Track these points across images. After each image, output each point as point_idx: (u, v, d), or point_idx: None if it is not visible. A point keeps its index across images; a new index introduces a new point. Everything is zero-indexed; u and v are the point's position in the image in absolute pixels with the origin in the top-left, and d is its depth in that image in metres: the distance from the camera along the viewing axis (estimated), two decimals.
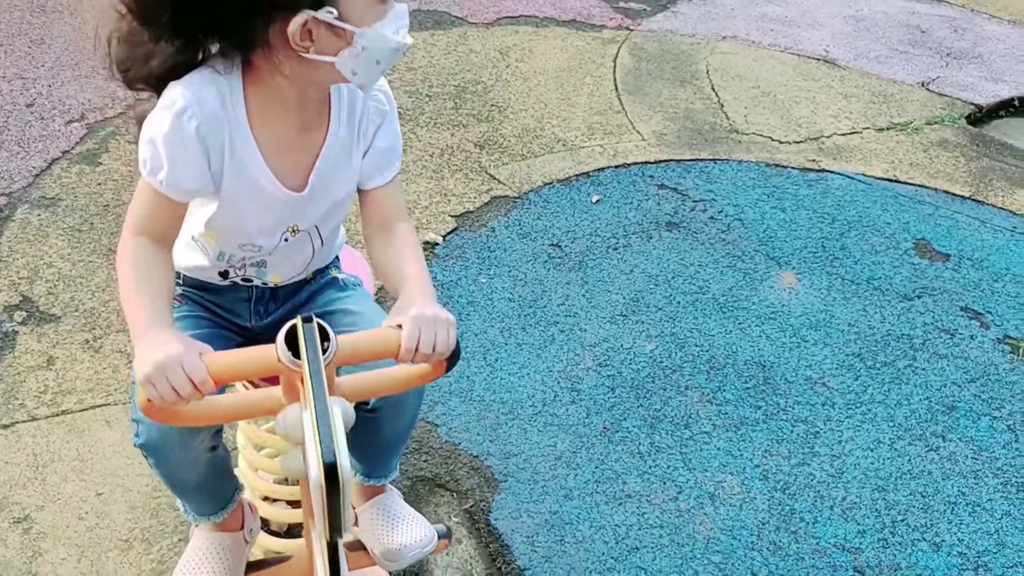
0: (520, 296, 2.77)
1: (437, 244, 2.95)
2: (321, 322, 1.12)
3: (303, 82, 1.28)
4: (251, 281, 1.51)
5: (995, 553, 2.16)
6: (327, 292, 1.58)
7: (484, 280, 2.82)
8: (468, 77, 4.00)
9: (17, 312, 2.48)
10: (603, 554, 2.05)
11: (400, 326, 1.21)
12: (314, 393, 1.05)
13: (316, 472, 1.01)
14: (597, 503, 2.17)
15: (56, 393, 2.25)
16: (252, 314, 1.55)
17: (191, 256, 1.47)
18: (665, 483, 2.24)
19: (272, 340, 1.50)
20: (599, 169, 3.47)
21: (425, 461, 2.22)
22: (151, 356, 1.12)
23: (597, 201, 3.29)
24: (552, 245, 3.03)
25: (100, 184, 3.02)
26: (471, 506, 2.13)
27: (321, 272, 1.60)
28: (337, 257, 1.64)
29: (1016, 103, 4.38)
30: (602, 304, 2.79)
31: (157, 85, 1.29)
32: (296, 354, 1.11)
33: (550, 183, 3.36)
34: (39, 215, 2.84)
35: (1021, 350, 2.80)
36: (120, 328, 2.47)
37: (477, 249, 2.96)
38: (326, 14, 1.18)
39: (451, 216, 3.10)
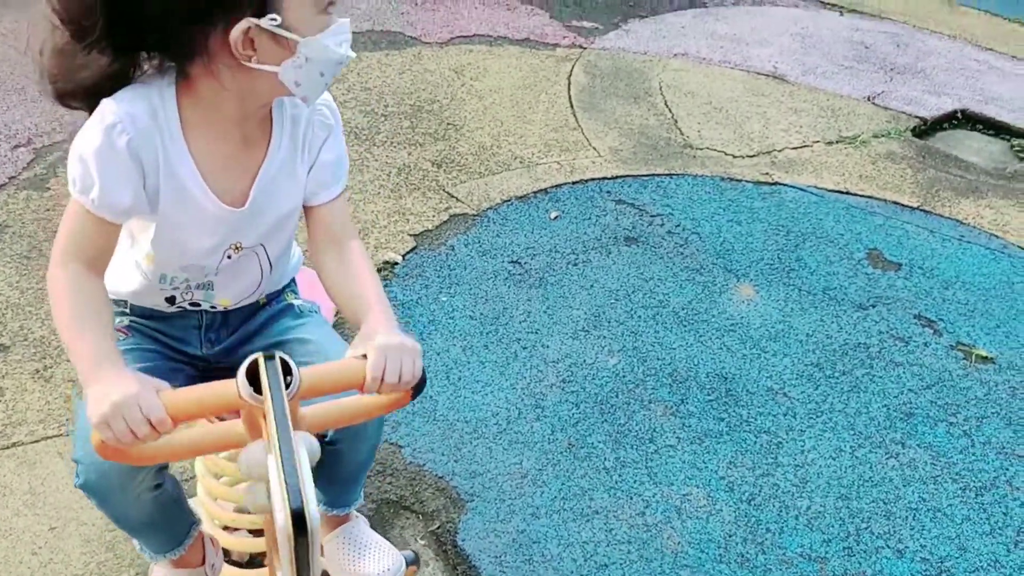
0: (481, 314, 2.75)
1: (397, 264, 2.93)
2: (284, 356, 1.08)
3: (244, 94, 1.25)
4: (199, 305, 1.46)
5: (957, 558, 2.19)
6: (282, 319, 1.54)
7: (445, 299, 2.80)
8: (424, 96, 3.99)
9: None
10: (572, 572, 2.03)
11: (364, 356, 1.18)
12: (279, 436, 1.01)
13: (283, 520, 0.97)
14: (564, 520, 2.15)
15: (6, 425, 2.18)
16: (203, 342, 1.50)
17: (135, 281, 1.41)
18: (632, 498, 2.24)
19: (225, 368, 1.46)
20: (556, 185, 3.49)
21: (390, 483, 2.19)
22: (106, 396, 1.08)
23: (555, 217, 3.29)
24: (512, 262, 3.03)
25: (48, 210, 2.95)
26: (437, 528, 2.10)
27: (276, 297, 1.56)
28: (294, 280, 1.60)
29: (959, 116, 4.49)
30: (564, 320, 2.79)
31: (88, 100, 1.24)
32: (257, 389, 1.07)
33: (508, 200, 3.36)
34: None
35: (973, 356, 2.85)
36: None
37: (437, 268, 2.95)
38: (269, 22, 1.15)
39: (410, 235, 3.08)
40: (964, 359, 2.84)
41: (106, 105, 1.22)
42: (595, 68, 4.50)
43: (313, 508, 0.98)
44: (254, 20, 1.14)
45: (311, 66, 1.21)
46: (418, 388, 1.23)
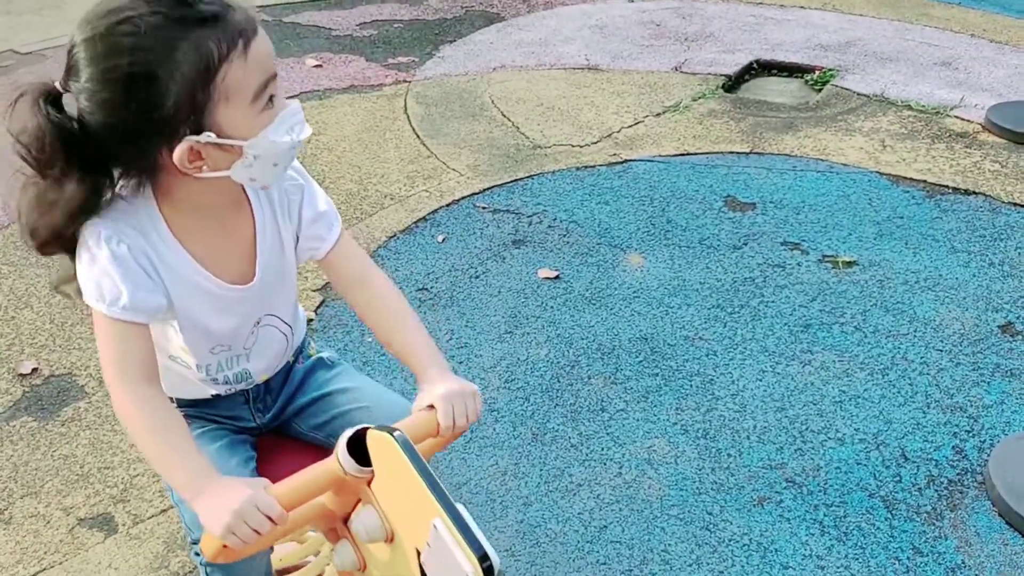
0: None
1: (311, 320, 2.99)
2: (398, 432, 1.15)
3: (211, 192, 1.31)
4: (242, 384, 1.53)
5: (887, 431, 2.50)
6: (317, 373, 1.62)
7: (370, 339, 2.89)
8: None
9: None
10: (578, 541, 2.18)
11: (431, 406, 1.29)
12: (440, 501, 1.09)
13: (472, 568, 1.05)
14: (554, 500, 2.30)
15: None
16: (254, 413, 1.58)
17: (178, 377, 1.48)
18: (605, 463, 2.41)
19: (278, 431, 1.59)
20: (432, 212, 3.63)
21: None
22: (224, 506, 1.14)
23: (443, 240, 3.43)
24: (419, 290, 3.14)
25: None
26: None
27: (300, 353, 1.63)
28: (306, 338, 1.67)
29: (755, 66, 4.98)
30: (485, 328, 2.94)
31: (65, 241, 1.28)
32: (359, 461, 1.17)
33: (393, 236, 3.47)
34: None
35: (840, 263, 3.22)
36: (25, 493, 2.33)
37: (351, 314, 3.02)
38: (207, 137, 1.20)
39: (313, 291, 3.14)
40: (833, 268, 3.20)
41: (91, 226, 1.26)
42: (426, 98, 4.68)
43: (493, 551, 1.07)
44: (194, 139, 1.19)
45: (261, 162, 1.26)
46: None
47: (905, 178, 3.77)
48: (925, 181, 3.74)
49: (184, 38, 1.15)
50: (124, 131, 1.18)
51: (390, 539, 1.21)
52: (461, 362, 2.78)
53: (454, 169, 3.94)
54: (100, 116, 1.17)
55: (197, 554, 1.41)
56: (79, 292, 1.30)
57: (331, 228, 1.49)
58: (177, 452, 1.24)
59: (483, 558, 1.06)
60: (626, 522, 2.23)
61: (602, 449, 2.46)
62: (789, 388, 2.66)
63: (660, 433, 2.51)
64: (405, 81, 4.90)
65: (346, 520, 1.30)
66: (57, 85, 1.20)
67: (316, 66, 5.13)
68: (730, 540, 2.18)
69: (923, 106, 4.39)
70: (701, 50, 5.20)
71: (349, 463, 1.17)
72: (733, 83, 4.81)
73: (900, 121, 4.26)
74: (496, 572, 1.06)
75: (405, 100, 4.65)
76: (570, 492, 2.32)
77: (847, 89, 4.60)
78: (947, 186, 3.69)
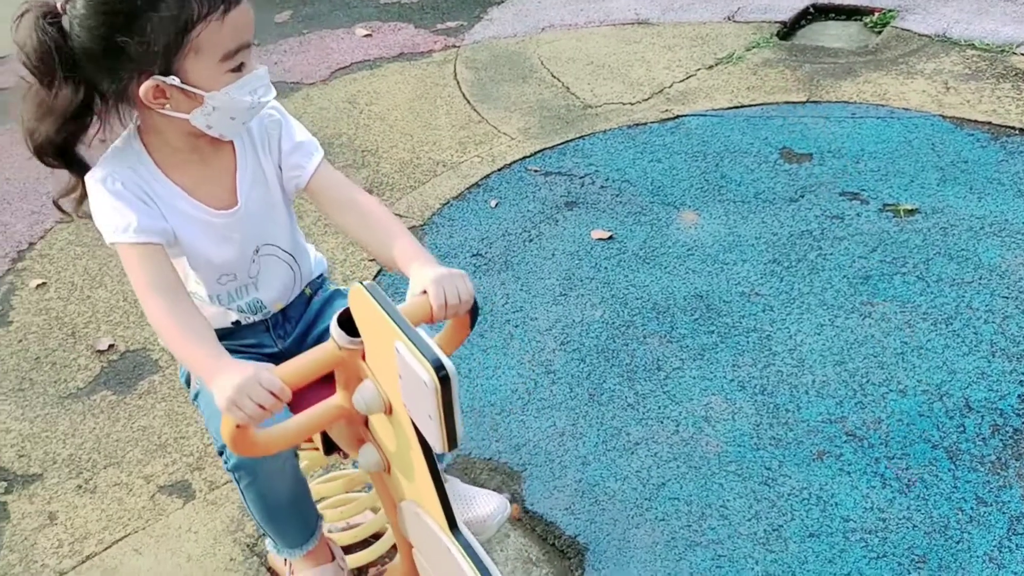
0: None
1: None
2: (371, 284, 1.24)
3: (179, 127, 1.44)
4: (258, 314, 1.65)
5: (950, 381, 2.46)
6: (335, 302, 1.74)
7: None
8: (329, 132, 4.10)
9: None
10: (637, 498, 2.21)
11: (424, 292, 1.35)
12: (396, 321, 1.16)
13: (429, 378, 1.11)
14: (613, 459, 2.33)
15: (72, 543, 2.22)
16: (275, 339, 1.70)
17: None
18: (662, 422, 2.43)
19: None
20: (485, 177, 3.65)
21: (444, 472, 2.32)
22: (228, 383, 1.24)
23: (496, 205, 3.46)
24: (473, 255, 3.18)
25: (21, 341, 2.96)
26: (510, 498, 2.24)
27: (319, 287, 1.76)
28: (326, 277, 1.80)
29: (811, 10, 4.85)
30: (541, 291, 2.96)
31: (60, 151, 1.44)
32: (349, 333, 1.25)
33: (447, 203, 3.51)
34: None
35: (901, 211, 3.15)
36: (108, 463, 2.45)
37: (407, 281, 3.07)
38: (172, 80, 1.34)
39: (370, 260, 3.20)
40: (894, 216, 3.13)
41: (89, 176, 1.45)
42: (475, 62, 4.68)
43: (448, 361, 1.12)
44: (160, 78, 1.34)
45: (220, 113, 1.40)
46: (474, 315, 1.41)
47: (969, 120, 3.65)
48: (990, 123, 3.62)
49: None
50: (103, 57, 1.33)
51: (389, 410, 1.29)
52: (517, 325, 2.82)
53: (505, 133, 3.95)
54: (86, 39, 1.33)
55: (225, 462, 1.52)
56: (77, 204, 1.49)
57: (310, 156, 1.58)
58: (199, 343, 1.37)
59: (439, 367, 1.12)
60: (684, 479, 2.26)
61: (659, 407, 2.47)
62: (848, 341, 2.63)
63: (717, 390, 2.51)
64: (454, 46, 4.90)
65: (367, 424, 1.38)
66: (57, 6, 1.34)
67: (366, 35, 5.16)
68: (789, 495, 2.19)
69: (987, 44, 4.22)
70: None
71: (340, 335, 1.25)
72: (788, 30, 4.69)
73: (963, 61, 4.11)
74: (452, 379, 1.12)
75: (455, 66, 4.66)
76: (628, 451, 2.35)
77: (907, 30, 4.45)
78: (1013, 127, 3.56)
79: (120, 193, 1.42)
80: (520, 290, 2.98)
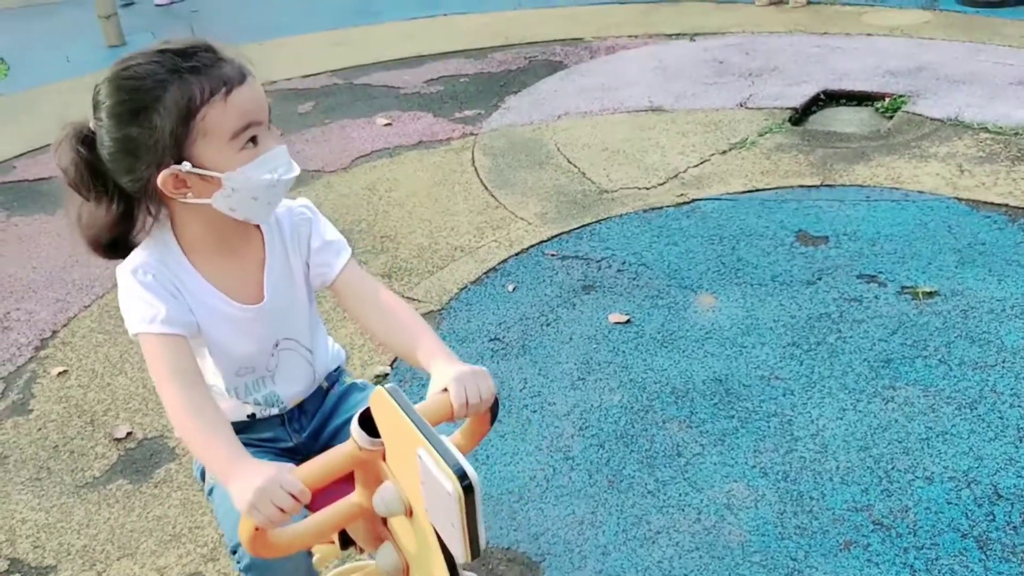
0: None
1: (388, 374, 3.05)
2: (392, 384, 1.24)
3: (208, 218, 1.47)
4: (274, 408, 1.66)
5: (977, 468, 2.41)
6: (350, 396, 1.74)
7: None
8: (349, 219, 4.16)
9: None
10: None
11: (444, 390, 1.35)
12: (419, 427, 1.15)
13: (452, 487, 1.09)
14: (633, 548, 2.28)
15: None
16: (290, 433, 1.70)
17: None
18: (683, 510, 2.38)
19: (317, 451, 1.67)
20: (502, 261, 3.68)
21: (463, 568, 2.27)
22: (249, 484, 1.23)
23: (513, 289, 3.48)
24: (491, 340, 3.18)
25: (40, 429, 2.97)
26: None
27: (336, 380, 1.76)
28: (341, 369, 1.79)
29: (822, 96, 4.93)
30: (558, 376, 2.95)
31: (110, 246, 1.53)
32: (370, 433, 1.24)
33: (464, 287, 3.53)
34: None
35: (920, 294, 3.14)
36: (121, 554, 2.42)
37: (425, 374, 3.07)
38: (185, 166, 1.39)
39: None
40: (913, 299, 3.12)
41: (120, 267, 1.50)
42: (493, 149, 4.77)
43: (471, 469, 1.10)
44: (175, 167, 1.39)
45: (240, 194, 1.42)
46: (494, 412, 1.40)
47: (985, 203, 3.66)
48: (1007, 205, 3.63)
49: (173, 83, 1.37)
50: (122, 157, 1.40)
51: (409, 513, 1.27)
52: (535, 411, 2.80)
53: (522, 218, 3.99)
54: (108, 144, 1.41)
55: (238, 562, 1.50)
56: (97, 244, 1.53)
57: (339, 255, 1.61)
58: (217, 439, 1.36)
59: (462, 476, 1.09)
60: (707, 570, 2.20)
61: (679, 495, 2.43)
62: (872, 426, 2.59)
63: (739, 476, 2.47)
64: (472, 134, 5.01)
65: (385, 523, 1.36)
66: (89, 125, 1.43)
67: (386, 124, 5.28)
68: None
69: (1000, 128, 4.27)
70: (766, 84, 5.17)
71: (361, 436, 1.24)
72: (800, 115, 4.77)
73: (977, 144, 4.15)
74: (476, 488, 1.10)
75: (472, 152, 4.75)
76: (648, 540, 2.30)
77: (919, 115, 4.51)
78: None
79: (150, 285, 1.46)
80: (538, 375, 2.97)
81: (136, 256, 1.49)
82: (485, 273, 3.61)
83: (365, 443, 1.25)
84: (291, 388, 1.66)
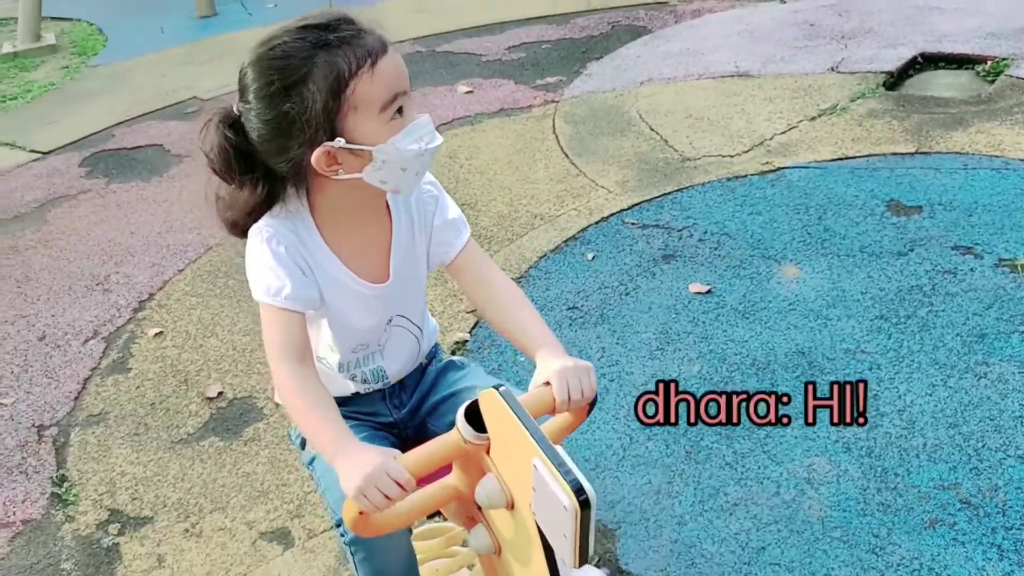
0: None
1: (466, 341, 3.09)
2: (504, 386, 1.25)
3: (352, 194, 1.48)
4: (379, 383, 1.69)
5: None
6: (448, 374, 1.75)
7: (522, 358, 2.95)
8: None
9: (111, 525, 2.53)
10: (735, 562, 2.15)
11: (547, 383, 1.37)
12: (535, 438, 1.17)
13: (568, 502, 1.11)
14: (710, 520, 2.27)
15: None
16: (391, 408, 1.73)
17: (323, 377, 1.61)
18: (762, 482, 2.36)
19: (414, 427, 1.71)
20: (582, 230, 3.66)
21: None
22: (357, 470, 1.26)
23: (593, 258, 3.47)
24: (569, 308, 3.19)
25: (139, 387, 3.11)
26: (597, 561, 2.21)
27: (434, 356, 1.78)
28: (437, 344, 1.81)
29: (920, 60, 4.73)
30: (637, 345, 2.94)
31: (243, 229, 1.53)
32: (477, 428, 1.26)
33: (543, 256, 3.53)
34: (94, 432, 2.92)
35: (1019, 267, 3.00)
36: (214, 508, 2.54)
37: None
38: (338, 143, 1.38)
39: (467, 312, 3.24)
40: (1011, 272, 2.99)
41: (257, 225, 1.50)
42: (574, 116, 4.74)
43: (588, 485, 1.12)
44: (328, 143, 1.38)
45: (390, 166, 1.42)
46: (592, 403, 1.41)
47: None
48: None
49: (320, 58, 1.36)
50: (274, 138, 1.40)
51: (511, 505, 1.28)
52: (612, 379, 2.80)
53: (603, 186, 3.97)
54: (258, 126, 1.40)
55: (342, 535, 1.54)
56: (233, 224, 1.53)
57: (459, 234, 1.63)
58: (325, 419, 1.39)
59: (579, 491, 1.10)
60: (785, 544, 2.18)
61: (759, 467, 2.40)
62: (963, 403, 2.51)
63: (820, 451, 2.43)
64: (553, 101, 4.98)
65: (480, 506, 1.38)
66: (234, 108, 1.44)
67: (467, 92, 5.29)
68: (899, 565, 2.08)
69: None
70: (859, 47, 4.98)
71: (467, 430, 1.27)
72: (895, 80, 4.58)
73: None
74: (592, 504, 1.11)
75: (553, 120, 4.72)
76: (725, 511, 2.29)
77: (1023, 79, 4.29)
78: None
79: (281, 256, 1.46)
80: (616, 344, 2.96)
81: (270, 223, 1.49)
82: (564, 241, 3.60)
83: (471, 437, 1.27)
84: (397, 364, 1.69)
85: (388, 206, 1.58)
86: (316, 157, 1.39)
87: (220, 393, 3.02)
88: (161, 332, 3.41)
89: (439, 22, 6.70)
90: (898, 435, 2.44)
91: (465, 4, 7.11)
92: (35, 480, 2.74)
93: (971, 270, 3.04)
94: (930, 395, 2.55)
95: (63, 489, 2.69)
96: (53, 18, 8.31)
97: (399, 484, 1.25)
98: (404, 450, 1.69)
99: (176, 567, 2.37)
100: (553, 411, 1.36)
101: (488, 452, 1.29)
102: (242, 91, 1.42)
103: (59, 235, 4.28)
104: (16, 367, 3.31)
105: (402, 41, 6.41)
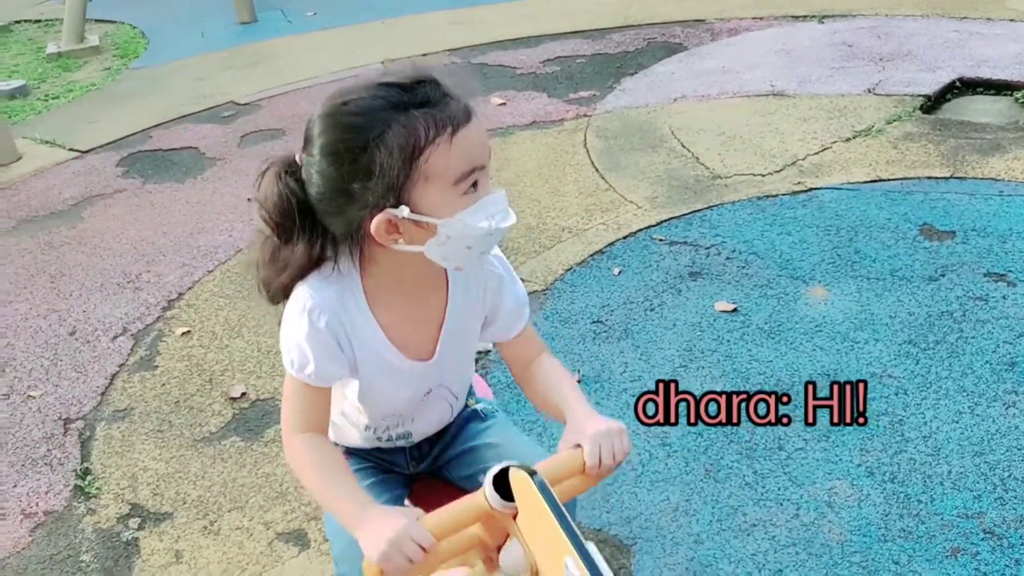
0: (583, 376, 2.89)
1: (489, 351, 3.09)
2: (530, 467, 1.19)
3: (409, 266, 1.37)
4: (402, 442, 1.64)
5: None
6: (470, 426, 1.68)
7: None
8: None
9: (131, 519, 2.56)
10: None
11: (578, 445, 1.33)
12: (574, 543, 1.12)
13: None
14: (727, 539, 2.25)
15: None
16: (409, 461, 1.68)
17: (342, 434, 1.61)
18: (781, 504, 2.33)
19: (426, 474, 1.67)
20: (609, 244, 3.66)
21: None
22: (381, 535, 1.23)
23: (619, 273, 3.46)
24: (594, 323, 3.18)
25: (164, 384, 3.15)
26: None
27: (460, 410, 1.70)
28: (471, 386, 1.73)
29: (958, 84, 4.68)
30: (660, 361, 2.92)
31: (288, 293, 1.42)
32: (504, 496, 1.22)
33: (570, 269, 3.53)
34: (118, 427, 2.95)
35: None
36: (232, 507, 2.56)
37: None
38: (403, 211, 1.27)
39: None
40: None
41: (301, 291, 1.38)
42: (606, 131, 4.74)
43: None
44: (392, 211, 1.27)
45: (454, 242, 1.30)
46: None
47: None
48: None
49: (397, 120, 1.25)
50: (335, 197, 1.29)
51: (535, 573, 1.24)
52: (634, 395, 2.78)
53: (632, 201, 3.96)
54: (319, 183, 1.29)
55: None
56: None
57: (522, 319, 1.56)
58: (342, 488, 1.36)
59: None
60: (803, 567, 2.15)
61: (778, 489, 2.38)
62: (990, 431, 2.47)
63: (842, 474, 2.39)
64: (585, 115, 4.99)
65: (499, 550, 1.35)
66: (297, 157, 1.34)
67: (500, 104, 5.32)
68: None
69: None
70: (897, 70, 4.94)
71: (495, 498, 1.22)
72: (933, 103, 4.54)
73: None
74: None
75: (585, 134, 4.73)
76: (743, 532, 2.26)
77: None
78: None
79: (319, 333, 1.37)
80: (639, 359, 2.95)
81: (315, 290, 1.37)
82: (591, 255, 3.60)
83: (497, 505, 1.23)
84: (425, 427, 1.63)
85: (447, 277, 1.48)
86: (376, 224, 1.28)
87: (243, 394, 3.05)
88: (188, 331, 3.44)
89: (475, 34, 6.75)
90: (923, 461, 2.40)
91: (501, 17, 7.15)
92: (59, 472, 2.78)
93: (1003, 297, 2.99)
94: (956, 422, 2.51)
95: (86, 482, 2.72)
96: (97, 20, 8.48)
97: (423, 547, 1.22)
98: (412, 490, 1.68)
99: (193, 563, 2.38)
100: (583, 473, 1.32)
101: (515, 519, 1.24)
102: (307, 142, 1.31)
103: (93, 233, 4.35)
104: (46, 360, 3.37)
105: (437, 52, 6.46)
